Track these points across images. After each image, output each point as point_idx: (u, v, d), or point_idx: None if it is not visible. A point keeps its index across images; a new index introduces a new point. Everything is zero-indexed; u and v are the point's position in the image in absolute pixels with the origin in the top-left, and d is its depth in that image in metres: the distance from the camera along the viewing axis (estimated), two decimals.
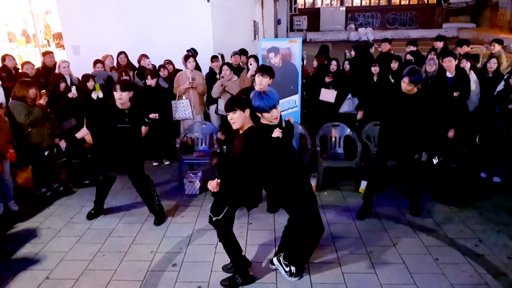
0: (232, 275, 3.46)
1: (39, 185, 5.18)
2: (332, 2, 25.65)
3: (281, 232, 3.65)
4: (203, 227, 4.31)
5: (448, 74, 5.40)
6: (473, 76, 5.64)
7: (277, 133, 2.98)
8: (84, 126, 4.66)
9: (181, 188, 5.31)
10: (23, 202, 4.97)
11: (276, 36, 17.76)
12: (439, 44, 7.36)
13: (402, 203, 4.71)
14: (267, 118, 3.04)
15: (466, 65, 5.66)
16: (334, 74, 6.04)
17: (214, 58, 6.69)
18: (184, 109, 6.04)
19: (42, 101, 5.01)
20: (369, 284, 3.41)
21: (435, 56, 6.44)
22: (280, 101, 5.24)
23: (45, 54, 6.91)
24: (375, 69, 6.00)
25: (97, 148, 4.99)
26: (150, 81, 5.79)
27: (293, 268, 3.43)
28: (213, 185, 3.07)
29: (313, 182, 5.09)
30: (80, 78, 6.12)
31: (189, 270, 3.66)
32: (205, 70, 6.94)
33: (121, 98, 4.14)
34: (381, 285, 3.39)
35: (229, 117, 3.05)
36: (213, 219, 3.25)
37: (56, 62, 6.44)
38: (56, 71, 5.96)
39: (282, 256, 3.49)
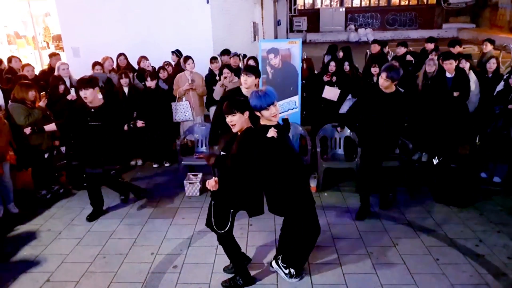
0: (233, 276, 3.46)
1: (39, 187, 5.18)
2: (332, 3, 25.69)
3: None
4: (204, 229, 4.27)
5: (448, 75, 5.43)
6: (472, 76, 5.65)
7: (272, 132, 2.96)
8: (54, 123, 4.75)
9: (181, 189, 5.30)
10: (23, 205, 4.96)
11: (275, 37, 17.80)
12: (430, 46, 7.54)
13: (402, 203, 4.71)
14: (266, 116, 3.01)
15: (466, 65, 5.67)
16: (333, 74, 6.04)
17: (213, 59, 6.67)
18: (184, 111, 6.04)
19: (42, 103, 5.02)
20: (369, 285, 3.41)
21: (435, 57, 6.44)
22: (280, 102, 5.29)
23: (51, 55, 6.85)
24: (375, 70, 6.00)
25: (73, 145, 5.14)
26: (150, 83, 5.79)
27: (292, 270, 3.43)
28: (211, 183, 3.07)
29: (314, 183, 5.10)
30: None
31: (189, 271, 3.66)
32: (204, 71, 6.95)
33: (86, 96, 4.16)
34: (382, 286, 3.39)
35: (228, 120, 3.03)
36: (218, 232, 3.25)
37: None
38: (56, 73, 5.95)
39: (280, 259, 3.49)
